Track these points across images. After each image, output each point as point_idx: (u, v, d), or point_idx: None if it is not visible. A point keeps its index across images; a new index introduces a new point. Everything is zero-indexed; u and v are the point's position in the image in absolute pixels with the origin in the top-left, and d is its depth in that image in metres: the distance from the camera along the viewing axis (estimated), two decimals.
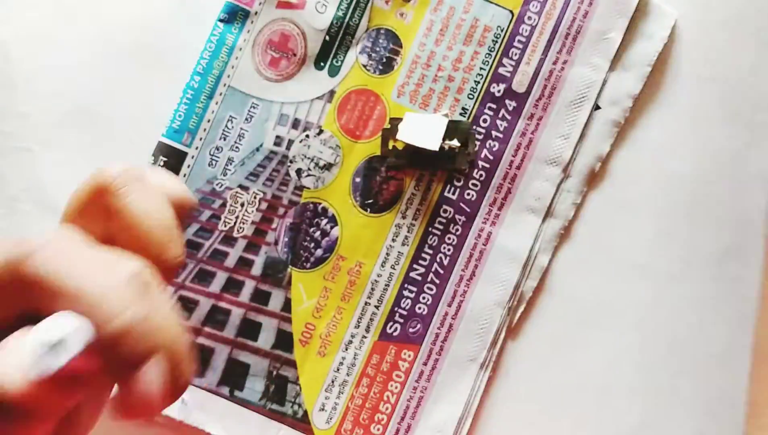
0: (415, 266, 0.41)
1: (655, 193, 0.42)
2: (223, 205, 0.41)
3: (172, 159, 0.41)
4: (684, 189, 0.42)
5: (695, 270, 0.42)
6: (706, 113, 0.43)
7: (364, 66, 0.42)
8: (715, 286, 0.42)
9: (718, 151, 0.42)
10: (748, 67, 0.43)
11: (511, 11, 0.42)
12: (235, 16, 0.41)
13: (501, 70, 0.42)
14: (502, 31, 0.42)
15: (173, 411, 0.40)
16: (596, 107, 0.42)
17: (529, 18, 0.42)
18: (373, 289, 0.41)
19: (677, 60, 0.43)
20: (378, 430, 0.40)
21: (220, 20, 0.41)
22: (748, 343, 0.41)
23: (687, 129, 0.43)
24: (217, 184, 0.41)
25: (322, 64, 0.41)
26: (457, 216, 0.41)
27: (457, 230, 0.41)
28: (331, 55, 0.41)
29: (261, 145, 0.41)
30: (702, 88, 0.43)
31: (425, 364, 0.40)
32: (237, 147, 0.41)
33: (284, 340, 0.40)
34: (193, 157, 0.41)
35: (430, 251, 0.41)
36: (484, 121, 0.41)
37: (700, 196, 0.42)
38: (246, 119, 0.41)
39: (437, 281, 0.41)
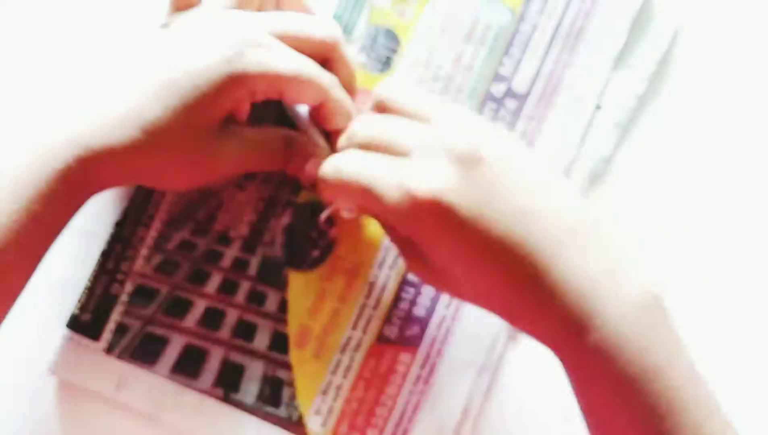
0: None
1: (661, 197, 0.42)
2: (219, 204, 0.40)
3: None
4: (691, 192, 0.42)
5: (702, 274, 0.41)
6: (713, 113, 0.42)
7: (363, 65, 0.41)
8: (716, 294, 0.41)
9: (725, 151, 0.42)
10: (754, 64, 0.42)
11: (512, 10, 0.41)
12: None
13: (501, 70, 0.41)
14: (502, 29, 0.41)
15: (167, 412, 0.39)
16: (597, 107, 0.41)
17: (531, 17, 0.41)
18: (370, 290, 0.40)
19: (683, 59, 0.42)
20: (374, 434, 0.39)
21: None
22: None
23: (693, 130, 0.42)
24: (213, 183, 0.41)
25: None
26: None
27: None
28: None
29: None
30: (709, 87, 0.42)
31: (423, 367, 0.39)
32: None
33: (280, 342, 0.40)
34: None
35: None
36: None
37: (708, 199, 0.41)
38: None
39: None
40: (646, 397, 0.29)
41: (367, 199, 0.32)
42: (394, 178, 0.31)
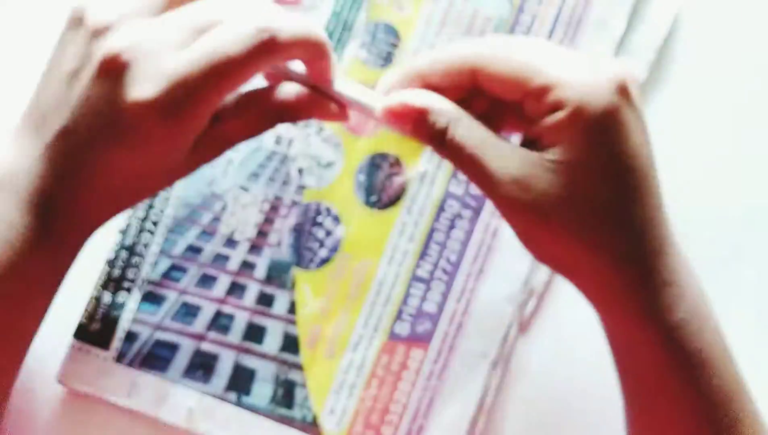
0: (421, 263, 0.40)
1: (663, 183, 0.42)
2: (224, 207, 0.40)
3: None
4: (692, 178, 0.42)
5: (706, 265, 0.41)
6: (713, 99, 0.42)
7: (364, 61, 0.41)
8: (722, 285, 0.41)
9: (727, 139, 0.42)
10: (754, 50, 0.42)
11: (511, 1, 0.41)
12: None
13: None
14: (502, 21, 0.41)
15: (180, 419, 0.39)
16: None
17: (530, 7, 0.41)
18: (379, 288, 0.40)
19: (683, 45, 0.42)
20: (389, 431, 0.39)
21: None
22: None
23: (694, 116, 0.42)
24: (216, 186, 0.40)
25: None
26: (463, 211, 0.40)
27: (463, 225, 0.40)
28: None
29: (261, 145, 0.40)
30: (709, 73, 0.42)
31: (435, 362, 0.39)
32: (236, 147, 0.40)
33: (291, 343, 0.39)
34: None
35: (437, 247, 0.40)
36: None
37: (708, 187, 0.42)
38: None
39: (445, 278, 0.40)
40: (719, 381, 0.28)
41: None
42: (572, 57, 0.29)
